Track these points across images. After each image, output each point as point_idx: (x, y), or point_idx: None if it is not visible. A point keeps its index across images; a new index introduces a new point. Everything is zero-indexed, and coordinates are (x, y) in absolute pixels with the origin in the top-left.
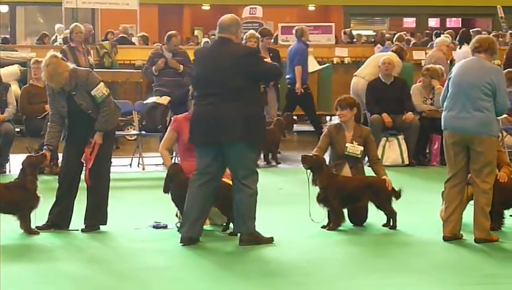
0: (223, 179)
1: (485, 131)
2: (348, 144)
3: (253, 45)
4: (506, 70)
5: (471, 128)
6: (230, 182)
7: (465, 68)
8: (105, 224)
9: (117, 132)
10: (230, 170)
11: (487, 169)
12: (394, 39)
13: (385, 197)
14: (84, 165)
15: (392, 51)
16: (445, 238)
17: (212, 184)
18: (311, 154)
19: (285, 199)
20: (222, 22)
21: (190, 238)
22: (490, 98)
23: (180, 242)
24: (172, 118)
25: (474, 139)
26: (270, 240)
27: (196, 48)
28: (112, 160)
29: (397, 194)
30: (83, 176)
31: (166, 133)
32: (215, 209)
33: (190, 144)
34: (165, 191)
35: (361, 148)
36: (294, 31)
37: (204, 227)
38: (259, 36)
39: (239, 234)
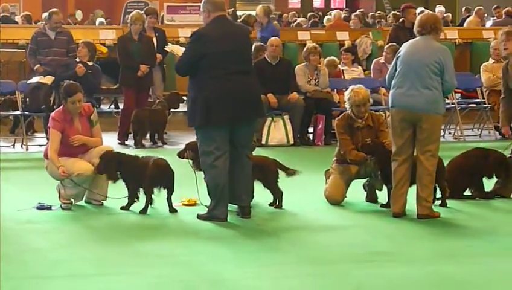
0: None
1: (432, 108)
2: None
3: (138, 28)
4: (389, 44)
5: (420, 105)
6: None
7: (414, 47)
8: None
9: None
10: (237, 146)
11: (432, 146)
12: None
13: (272, 176)
14: None
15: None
16: (395, 215)
17: (227, 161)
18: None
19: None
20: (217, 2)
21: (227, 216)
22: (438, 76)
23: (221, 220)
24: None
25: (422, 117)
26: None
27: (198, 29)
28: None
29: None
30: None
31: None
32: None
33: (206, 124)
34: None
35: None
36: None
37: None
38: (145, 19)
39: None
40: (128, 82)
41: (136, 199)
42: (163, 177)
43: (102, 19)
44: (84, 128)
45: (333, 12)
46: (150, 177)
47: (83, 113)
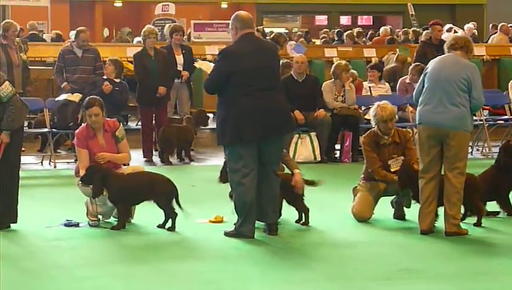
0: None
1: (460, 125)
2: None
3: (153, 41)
4: (414, 64)
5: (447, 122)
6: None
7: (442, 63)
8: (16, 222)
9: (28, 130)
10: (265, 162)
11: (460, 163)
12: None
13: (297, 193)
14: None
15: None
16: (423, 232)
17: (255, 178)
18: None
19: (198, 197)
20: (245, 19)
21: (253, 233)
22: (466, 93)
23: (248, 238)
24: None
25: (450, 134)
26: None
27: (226, 47)
28: (22, 158)
29: (312, 184)
30: None
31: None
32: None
33: (237, 143)
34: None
35: None
36: None
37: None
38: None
39: (265, 224)
40: (145, 100)
41: (130, 218)
42: (175, 192)
43: (140, 38)
44: (108, 144)
45: (381, 29)
46: (167, 195)
47: (108, 129)
